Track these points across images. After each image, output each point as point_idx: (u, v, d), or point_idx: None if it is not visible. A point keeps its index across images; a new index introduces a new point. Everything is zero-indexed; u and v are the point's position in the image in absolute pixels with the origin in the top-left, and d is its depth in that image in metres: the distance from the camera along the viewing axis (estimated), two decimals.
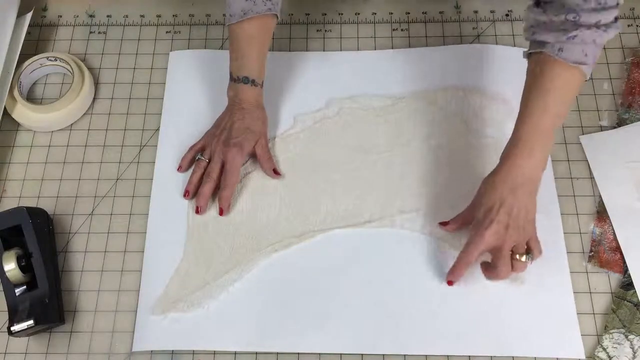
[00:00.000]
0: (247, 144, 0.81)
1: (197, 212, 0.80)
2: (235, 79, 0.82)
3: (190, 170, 0.83)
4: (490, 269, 0.73)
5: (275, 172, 0.83)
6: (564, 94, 0.71)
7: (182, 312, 0.76)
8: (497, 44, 0.93)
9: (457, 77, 0.90)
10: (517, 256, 0.72)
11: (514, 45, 0.92)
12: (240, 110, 0.82)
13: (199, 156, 0.83)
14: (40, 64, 0.91)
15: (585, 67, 0.69)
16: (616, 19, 0.68)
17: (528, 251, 0.73)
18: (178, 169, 0.84)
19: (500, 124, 0.86)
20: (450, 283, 0.75)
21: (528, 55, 0.73)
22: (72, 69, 0.88)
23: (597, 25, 0.67)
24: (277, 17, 0.82)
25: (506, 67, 0.90)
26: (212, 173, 0.80)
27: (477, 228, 0.72)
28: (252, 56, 0.81)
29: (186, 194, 0.81)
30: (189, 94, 0.90)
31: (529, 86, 0.72)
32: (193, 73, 0.92)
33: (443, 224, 0.78)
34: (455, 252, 0.78)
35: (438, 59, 0.91)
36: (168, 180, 0.84)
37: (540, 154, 0.71)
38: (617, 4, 0.67)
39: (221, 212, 0.80)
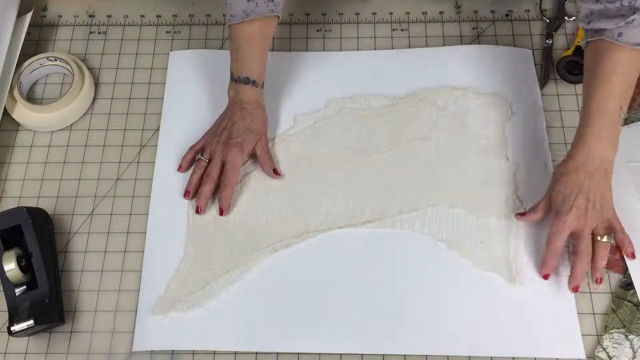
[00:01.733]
0: (248, 144, 0.81)
1: (197, 212, 0.80)
2: (235, 79, 0.82)
3: (191, 170, 0.83)
4: (573, 257, 0.75)
5: (276, 172, 0.83)
6: (626, 76, 0.73)
7: (182, 312, 0.76)
8: (497, 44, 0.93)
9: (456, 77, 0.90)
10: (598, 237, 0.74)
11: (514, 45, 0.92)
12: (241, 111, 0.82)
13: (199, 156, 0.82)
14: (40, 64, 0.91)
15: None
16: None
17: (609, 233, 0.75)
18: (178, 169, 0.84)
19: (500, 124, 0.86)
20: (546, 277, 0.75)
21: (586, 44, 0.76)
22: (72, 69, 0.88)
23: None
24: (279, 18, 0.82)
25: (506, 68, 0.90)
26: (212, 173, 0.80)
27: (557, 215, 0.74)
28: (253, 57, 0.81)
29: (186, 194, 0.81)
30: (189, 94, 0.90)
31: (591, 72, 0.74)
32: (193, 73, 0.92)
33: (521, 215, 0.79)
34: (454, 253, 0.78)
35: (438, 59, 0.91)
36: (168, 180, 0.84)
37: (611, 135, 0.74)
38: None
39: (221, 212, 0.80)
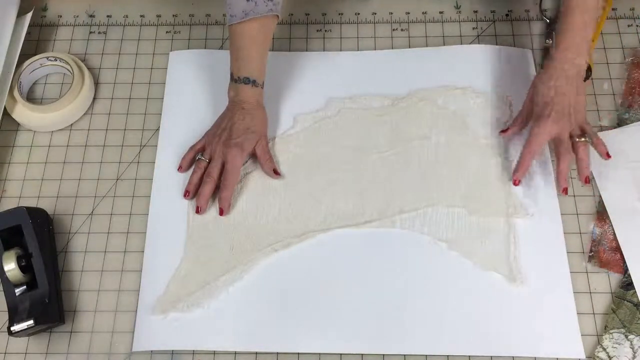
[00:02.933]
0: (248, 144, 0.81)
1: (197, 212, 0.80)
2: (235, 79, 0.82)
3: (191, 170, 0.83)
4: (556, 160, 0.78)
5: (276, 173, 0.83)
6: None
7: (182, 312, 0.76)
8: (497, 44, 0.93)
9: (456, 77, 0.90)
10: (577, 139, 0.77)
11: (514, 45, 0.92)
12: (241, 111, 0.82)
13: (199, 156, 0.82)
14: (40, 64, 0.91)
15: None
16: None
17: (584, 134, 0.78)
18: (178, 169, 0.84)
19: (500, 123, 0.86)
20: (516, 182, 0.79)
21: None
22: (72, 69, 0.88)
23: None
24: (278, 17, 0.82)
25: (506, 67, 0.90)
26: (213, 173, 0.80)
27: (538, 120, 0.78)
28: (253, 57, 0.81)
29: (186, 194, 0.81)
30: (189, 94, 0.90)
31: None
32: (193, 73, 0.92)
33: (503, 131, 0.83)
34: (454, 252, 0.78)
35: (438, 59, 0.91)
36: (168, 180, 0.84)
37: (585, 44, 0.78)
38: None
39: (221, 213, 0.80)
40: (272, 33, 0.83)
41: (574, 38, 0.78)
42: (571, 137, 0.78)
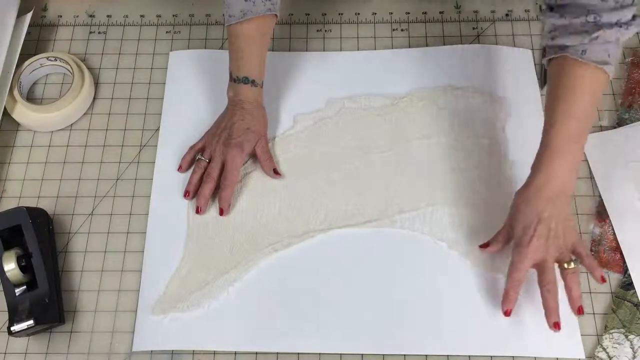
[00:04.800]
0: (248, 144, 0.81)
1: (197, 212, 0.80)
2: (235, 79, 0.82)
3: (190, 170, 0.83)
4: (542, 293, 0.70)
5: (276, 173, 0.83)
6: (589, 96, 0.69)
7: (182, 312, 0.76)
8: (497, 44, 0.93)
9: (456, 77, 0.90)
10: (565, 265, 0.70)
11: (514, 45, 0.92)
12: (241, 111, 0.82)
13: (199, 156, 0.82)
14: (40, 64, 0.91)
15: (609, 67, 0.69)
16: (634, 17, 0.68)
17: (575, 258, 0.71)
18: (178, 169, 0.84)
19: (500, 123, 0.86)
20: (508, 312, 0.71)
21: (549, 61, 0.72)
22: (72, 69, 0.88)
23: (618, 24, 0.67)
24: (277, 16, 0.82)
25: (506, 67, 0.90)
26: (212, 173, 0.80)
27: (518, 246, 0.71)
28: (252, 56, 0.81)
29: (186, 194, 0.81)
30: (189, 94, 0.90)
31: (554, 91, 0.71)
32: (193, 73, 0.92)
33: (483, 246, 0.76)
34: (454, 252, 0.78)
35: (438, 59, 0.91)
36: (168, 180, 0.84)
37: (573, 159, 0.70)
38: (633, 1, 0.67)
39: (221, 212, 0.80)
40: (270, 33, 0.83)
41: (557, 152, 0.70)
42: (560, 263, 0.71)
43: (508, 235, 0.74)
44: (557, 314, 0.69)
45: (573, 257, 0.71)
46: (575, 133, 0.70)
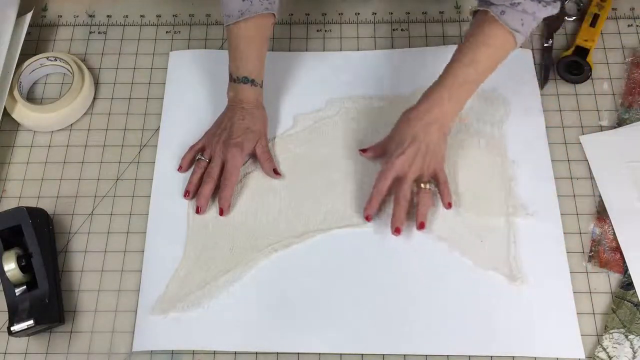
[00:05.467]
0: (248, 144, 0.81)
1: (197, 212, 0.80)
2: (234, 79, 0.82)
3: (190, 170, 0.83)
4: (394, 202, 0.77)
5: (276, 173, 0.83)
6: (494, 54, 0.76)
7: (182, 312, 0.75)
8: None
9: None
10: (422, 185, 0.77)
11: None
12: (241, 110, 0.82)
13: (199, 156, 0.82)
14: (40, 64, 0.91)
15: (519, 36, 0.74)
16: (555, 0, 0.73)
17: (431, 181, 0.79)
18: (178, 169, 0.84)
19: (498, 123, 0.86)
20: (368, 218, 0.78)
21: (474, 13, 0.78)
22: (72, 69, 0.88)
23: (539, 0, 0.72)
24: (275, 16, 0.82)
25: (505, 67, 0.89)
26: (213, 173, 0.80)
27: (388, 158, 0.78)
28: (251, 56, 0.81)
29: (186, 194, 0.81)
30: (189, 94, 0.90)
31: (467, 37, 0.77)
32: (193, 73, 0.92)
33: (362, 150, 0.83)
34: (455, 252, 0.78)
35: (438, 58, 0.90)
36: (168, 180, 0.84)
37: (457, 99, 0.77)
38: None
39: (221, 212, 0.80)
40: (269, 32, 0.83)
41: (447, 89, 0.76)
42: (418, 182, 0.77)
43: (384, 147, 0.81)
44: (401, 222, 0.76)
45: (431, 181, 0.78)
46: (468, 79, 0.76)
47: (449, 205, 0.78)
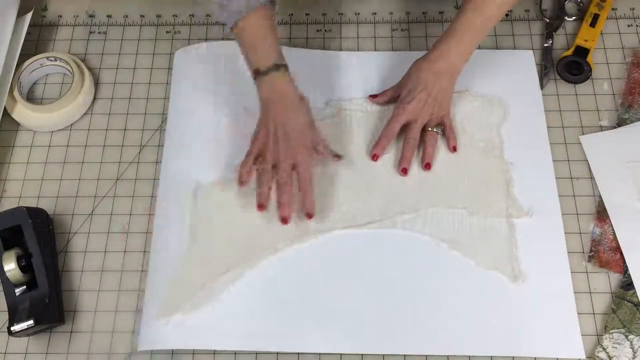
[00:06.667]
0: (309, 140, 0.78)
1: (284, 222, 0.77)
2: (264, 72, 0.76)
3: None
4: (403, 144, 0.83)
5: (337, 157, 0.82)
6: (500, 6, 0.79)
7: (184, 313, 0.75)
8: (497, 44, 0.93)
9: (457, 80, 0.89)
10: (429, 129, 0.83)
11: (514, 46, 0.92)
12: (285, 106, 0.77)
13: (260, 166, 0.78)
14: (40, 64, 0.91)
15: None
16: None
17: (439, 126, 0.84)
18: (240, 185, 0.78)
19: (497, 126, 0.86)
20: (375, 157, 0.83)
21: None
22: (72, 69, 0.88)
23: None
24: (275, 4, 0.78)
25: (506, 69, 0.90)
26: (288, 179, 0.76)
27: (400, 103, 0.82)
28: (273, 43, 0.77)
29: (260, 207, 0.77)
30: (196, 93, 0.89)
31: None
32: (200, 69, 0.90)
33: (372, 96, 0.88)
34: (456, 253, 0.78)
35: None
36: (173, 181, 0.83)
37: (468, 47, 0.81)
38: None
39: (310, 217, 0.78)
40: (275, 20, 0.79)
41: (456, 37, 0.80)
42: (425, 126, 0.82)
43: (395, 93, 0.85)
44: (409, 163, 0.82)
45: (439, 126, 0.83)
46: (477, 26, 0.80)
47: (454, 149, 0.83)
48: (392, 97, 0.86)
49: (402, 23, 0.95)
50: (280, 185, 0.77)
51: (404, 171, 0.82)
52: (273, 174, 0.78)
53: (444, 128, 0.84)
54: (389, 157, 0.84)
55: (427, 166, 0.82)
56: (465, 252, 0.78)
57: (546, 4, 0.96)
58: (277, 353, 0.74)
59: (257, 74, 0.77)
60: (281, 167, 0.77)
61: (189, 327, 0.75)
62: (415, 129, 0.82)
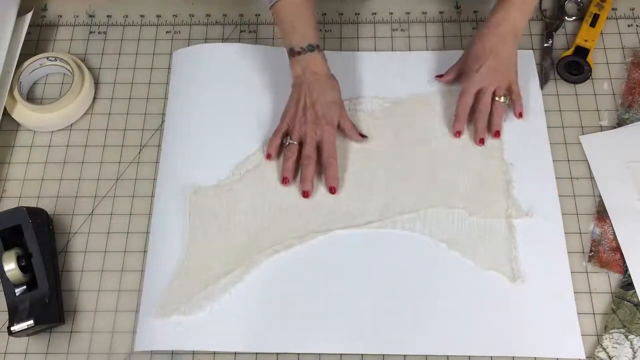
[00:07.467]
0: (335, 118, 0.81)
1: (305, 196, 0.80)
2: (299, 52, 0.80)
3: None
4: (475, 114, 0.83)
5: (362, 136, 0.84)
6: None
7: (184, 314, 0.75)
8: None
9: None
10: (497, 98, 0.82)
11: None
12: (317, 85, 0.81)
13: (288, 141, 0.81)
14: (40, 64, 0.91)
15: None
16: None
17: (507, 94, 0.83)
18: (267, 157, 0.82)
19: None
20: (458, 134, 0.83)
21: None
22: (72, 69, 0.88)
23: None
24: None
25: None
26: (312, 154, 0.80)
27: (469, 73, 0.83)
28: (310, 23, 0.81)
29: (285, 180, 0.81)
30: (195, 93, 0.89)
31: None
32: (198, 70, 0.90)
33: (439, 76, 0.87)
34: (455, 253, 0.78)
35: (438, 62, 0.91)
36: (172, 181, 0.84)
37: (525, 8, 0.82)
38: None
39: (333, 191, 0.80)
40: (314, 1, 0.82)
41: (511, 3, 0.80)
42: (493, 94, 0.82)
43: (460, 68, 0.85)
44: (484, 133, 0.83)
45: (505, 94, 0.83)
46: None
47: (520, 115, 0.84)
48: (458, 71, 0.86)
49: (402, 23, 0.95)
50: (304, 160, 0.80)
51: (481, 142, 0.82)
52: (299, 151, 0.81)
53: (512, 94, 0.83)
54: (389, 157, 0.84)
55: (496, 134, 0.83)
56: (465, 252, 0.78)
57: (546, 4, 0.96)
58: (277, 353, 0.74)
59: (292, 53, 0.81)
60: (307, 142, 0.80)
61: (188, 327, 0.75)
62: (486, 98, 0.82)
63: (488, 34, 0.82)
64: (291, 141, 0.81)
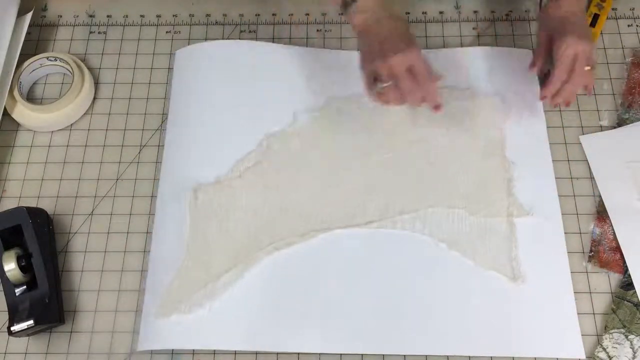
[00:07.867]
0: (414, 41, 0.76)
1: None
2: (349, 2, 0.76)
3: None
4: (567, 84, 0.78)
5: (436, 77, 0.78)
6: None
7: (184, 313, 0.75)
8: (497, 44, 0.93)
9: (456, 79, 0.89)
10: (586, 67, 0.78)
11: (514, 46, 0.92)
12: (380, 25, 0.76)
13: (381, 86, 0.76)
14: (40, 64, 0.91)
15: None
16: None
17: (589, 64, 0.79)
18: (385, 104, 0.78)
19: (499, 124, 0.86)
20: (544, 98, 0.80)
21: None
22: (72, 69, 0.88)
23: None
24: None
25: (506, 68, 0.90)
26: (407, 77, 0.74)
27: (561, 37, 0.77)
28: None
29: (399, 101, 0.76)
30: (196, 93, 0.89)
31: None
32: (201, 68, 0.90)
33: (532, 66, 0.83)
34: (455, 253, 0.78)
35: (437, 61, 0.90)
36: (173, 181, 0.83)
37: None
38: None
39: (438, 108, 0.77)
40: None
41: None
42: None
43: (545, 48, 0.81)
44: (572, 95, 0.80)
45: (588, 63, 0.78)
46: None
47: (588, 92, 0.81)
48: (544, 52, 0.82)
49: None
50: (401, 83, 0.74)
51: (567, 104, 0.80)
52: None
53: (592, 64, 0.79)
54: (389, 156, 0.84)
55: (590, 91, 0.81)
56: (465, 252, 0.78)
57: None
58: (277, 353, 0.74)
59: (345, 5, 0.77)
60: (401, 77, 0.74)
61: (189, 327, 0.75)
62: (580, 66, 0.77)
63: (553, 12, 0.80)
64: (386, 85, 0.75)
